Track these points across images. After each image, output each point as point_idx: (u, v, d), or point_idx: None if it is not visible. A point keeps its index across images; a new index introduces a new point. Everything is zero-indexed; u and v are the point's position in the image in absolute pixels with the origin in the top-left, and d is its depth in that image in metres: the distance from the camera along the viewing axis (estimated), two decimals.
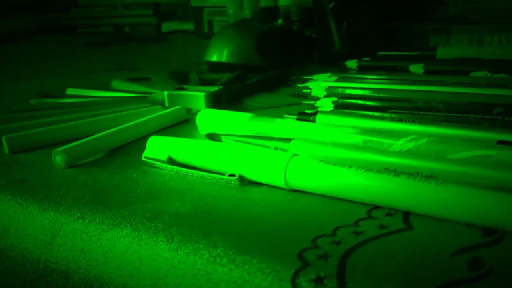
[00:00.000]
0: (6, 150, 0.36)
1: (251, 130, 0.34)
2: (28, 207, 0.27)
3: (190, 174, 0.29)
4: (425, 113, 0.34)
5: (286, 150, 0.30)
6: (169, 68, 0.67)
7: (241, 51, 0.62)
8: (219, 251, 0.21)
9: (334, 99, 0.40)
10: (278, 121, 0.34)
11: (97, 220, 0.25)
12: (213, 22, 0.94)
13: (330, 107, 0.40)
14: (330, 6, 0.63)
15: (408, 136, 0.28)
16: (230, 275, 0.20)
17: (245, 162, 0.27)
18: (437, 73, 0.47)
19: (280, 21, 0.72)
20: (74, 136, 0.36)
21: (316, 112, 0.36)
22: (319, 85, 0.45)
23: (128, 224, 0.24)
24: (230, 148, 0.28)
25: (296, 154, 0.26)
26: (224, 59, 0.62)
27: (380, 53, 0.60)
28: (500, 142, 0.27)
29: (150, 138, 0.32)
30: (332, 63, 0.60)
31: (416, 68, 0.49)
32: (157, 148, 0.31)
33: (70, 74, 0.70)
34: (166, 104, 0.44)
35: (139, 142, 0.35)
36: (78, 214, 0.25)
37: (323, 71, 0.55)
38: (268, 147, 0.31)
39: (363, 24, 0.63)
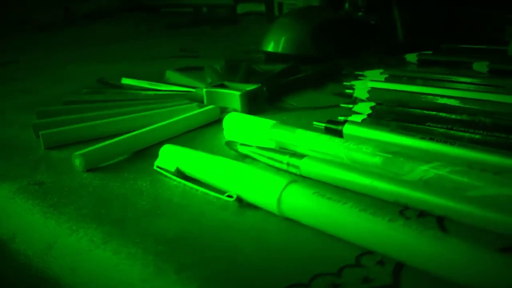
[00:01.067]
0: (42, 146, 0.37)
1: (272, 138, 0.32)
2: (35, 213, 0.28)
3: (194, 189, 0.28)
4: (465, 130, 0.30)
5: (297, 167, 0.28)
6: (231, 55, 0.66)
7: (296, 42, 0.60)
8: (187, 286, 0.20)
9: (373, 104, 0.37)
10: (299, 131, 0.31)
11: (88, 237, 0.25)
12: (283, 5, 0.91)
13: (367, 112, 0.37)
14: None
15: (431, 163, 0.25)
16: None
17: (244, 183, 0.25)
18: (503, 73, 0.42)
19: (347, 6, 0.68)
20: (105, 134, 0.36)
21: (345, 122, 0.33)
22: (364, 85, 0.42)
23: (114, 244, 0.24)
24: (231, 166, 0.27)
25: (294, 181, 0.24)
26: (279, 49, 0.60)
27: (444, 45, 0.55)
28: None
29: (163, 146, 0.31)
30: (393, 55, 0.55)
31: (480, 67, 0.44)
32: (169, 157, 0.30)
33: (137, 59, 0.72)
34: (205, 102, 0.44)
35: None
36: (74, 228, 0.26)
37: (380, 64, 0.52)
38: (281, 161, 0.29)
39: (430, 12, 0.58)
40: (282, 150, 0.30)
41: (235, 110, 0.41)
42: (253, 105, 0.42)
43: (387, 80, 0.43)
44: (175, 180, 0.29)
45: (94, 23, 1.24)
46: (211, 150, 0.34)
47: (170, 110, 0.41)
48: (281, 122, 0.33)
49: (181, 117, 0.38)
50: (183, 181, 0.29)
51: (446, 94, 0.36)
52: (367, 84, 0.42)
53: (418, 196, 0.23)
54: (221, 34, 0.97)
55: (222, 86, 0.44)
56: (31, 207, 0.29)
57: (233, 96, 0.41)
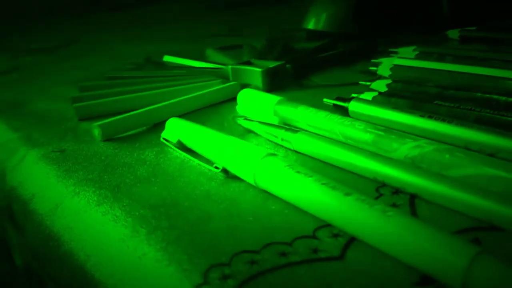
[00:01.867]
0: (75, 118, 0.40)
1: (277, 113, 0.33)
2: (51, 177, 0.31)
3: (192, 160, 0.29)
4: (471, 108, 0.28)
5: (290, 142, 0.29)
6: (273, 33, 0.66)
7: (335, 19, 0.59)
8: (152, 246, 0.21)
9: (389, 81, 0.36)
10: (301, 108, 0.31)
11: (86, 199, 0.27)
12: None
13: (383, 89, 0.36)
14: None
15: (416, 141, 0.24)
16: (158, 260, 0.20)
17: (228, 155, 0.26)
18: None
19: None
20: (131, 108, 0.38)
21: (351, 99, 0.32)
22: (390, 62, 0.41)
23: (105, 207, 0.25)
24: (220, 139, 0.27)
25: (272, 154, 0.24)
26: (319, 26, 0.59)
27: (490, 22, 0.51)
28: None
29: (169, 119, 0.33)
30: (437, 31, 0.53)
31: None
32: (173, 130, 0.32)
33: (186, 38, 0.74)
34: (230, 79, 0.45)
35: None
36: (77, 190, 0.28)
37: (422, 40, 0.50)
38: (276, 136, 0.30)
39: None
40: (281, 125, 0.30)
41: (257, 87, 0.42)
42: (274, 82, 0.42)
43: (417, 57, 0.42)
44: (176, 151, 0.31)
45: (165, 2, 1.27)
46: (222, 124, 0.35)
47: (193, 86, 0.42)
48: (298, 99, 0.33)
49: (198, 93, 0.39)
50: (183, 153, 0.30)
51: (469, 71, 0.34)
52: (393, 61, 0.40)
53: (392, 173, 0.23)
54: (267, 16, 0.96)
55: (248, 63, 0.45)
56: (49, 171, 0.31)
57: (255, 72, 0.42)
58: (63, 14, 1.14)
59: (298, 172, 0.22)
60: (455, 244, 0.16)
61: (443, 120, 0.27)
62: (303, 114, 0.31)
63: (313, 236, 0.20)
